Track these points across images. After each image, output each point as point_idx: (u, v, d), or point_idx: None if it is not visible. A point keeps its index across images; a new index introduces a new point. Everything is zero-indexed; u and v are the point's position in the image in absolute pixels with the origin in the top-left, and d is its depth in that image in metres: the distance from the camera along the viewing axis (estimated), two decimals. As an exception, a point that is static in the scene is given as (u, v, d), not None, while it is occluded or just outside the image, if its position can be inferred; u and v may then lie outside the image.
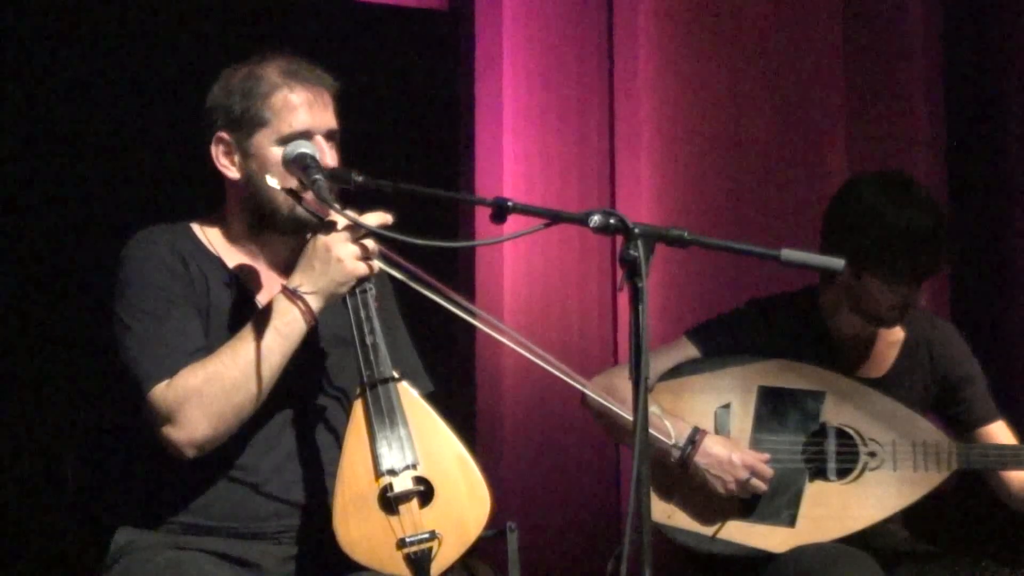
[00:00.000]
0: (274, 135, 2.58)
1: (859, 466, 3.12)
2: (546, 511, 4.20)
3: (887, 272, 3.05)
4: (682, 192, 4.50)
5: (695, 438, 3.09)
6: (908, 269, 3.05)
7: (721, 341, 3.23)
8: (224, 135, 2.60)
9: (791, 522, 3.11)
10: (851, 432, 3.13)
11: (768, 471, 3.09)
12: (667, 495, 3.15)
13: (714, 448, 3.09)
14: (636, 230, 2.23)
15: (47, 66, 3.78)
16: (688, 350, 3.23)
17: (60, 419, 3.66)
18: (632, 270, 2.22)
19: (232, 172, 2.61)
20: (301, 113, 2.59)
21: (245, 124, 2.58)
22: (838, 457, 3.13)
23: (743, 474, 3.07)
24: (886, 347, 3.25)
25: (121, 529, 2.62)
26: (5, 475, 3.65)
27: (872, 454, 3.11)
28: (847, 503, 3.10)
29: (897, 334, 3.25)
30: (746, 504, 3.12)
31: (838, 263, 2.39)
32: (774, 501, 3.12)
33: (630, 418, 2.49)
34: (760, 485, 3.08)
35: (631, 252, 2.22)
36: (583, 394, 3.08)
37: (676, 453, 3.08)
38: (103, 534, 2.65)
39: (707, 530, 3.13)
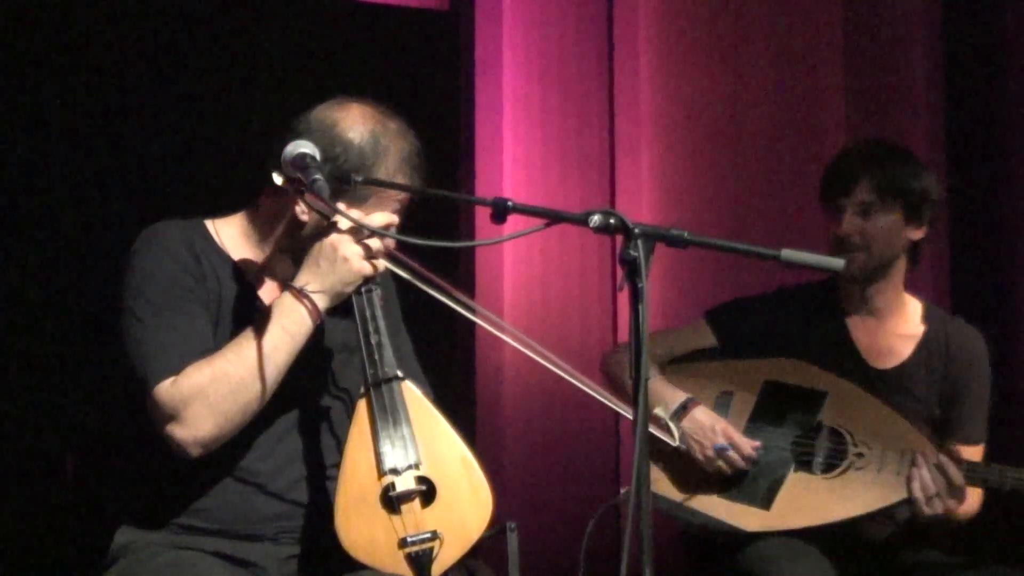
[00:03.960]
0: (371, 204, 2.55)
1: (845, 464, 3.14)
2: (546, 511, 4.20)
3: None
4: (682, 192, 4.50)
5: (687, 404, 3.16)
6: (822, 188, 3.24)
7: (738, 324, 3.29)
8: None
9: (766, 505, 3.14)
10: (844, 433, 3.15)
11: (746, 446, 3.13)
12: (652, 461, 3.17)
13: (700, 415, 3.17)
14: (636, 230, 2.23)
15: (60, 59, 3.79)
16: (704, 331, 3.29)
17: (60, 419, 3.66)
18: (632, 270, 2.22)
19: (302, 213, 2.55)
20: (395, 203, 2.58)
21: (347, 187, 2.50)
22: (827, 454, 3.14)
23: (720, 440, 3.12)
24: (902, 340, 3.26)
25: (121, 529, 2.61)
26: (5, 475, 3.65)
27: (860, 455, 3.13)
28: (824, 496, 3.12)
29: (916, 328, 3.27)
30: (726, 481, 3.16)
31: (838, 263, 2.40)
32: (756, 483, 3.16)
33: (630, 416, 2.50)
34: (734, 457, 3.13)
35: (631, 252, 2.22)
36: (602, 359, 3.29)
37: (676, 434, 3.11)
38: (103, 534, 2.65)
39: (685, 499, 3.17)
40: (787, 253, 2.34)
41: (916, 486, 3.03)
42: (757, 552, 3.07)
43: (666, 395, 3.17)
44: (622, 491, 3.29)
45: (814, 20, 4.63)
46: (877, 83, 4.63)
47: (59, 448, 2.92)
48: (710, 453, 3.14)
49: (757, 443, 3.16)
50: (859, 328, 3.26)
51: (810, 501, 3.12)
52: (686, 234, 2.29)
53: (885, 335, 3.26)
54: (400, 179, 2.57)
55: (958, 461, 3.03)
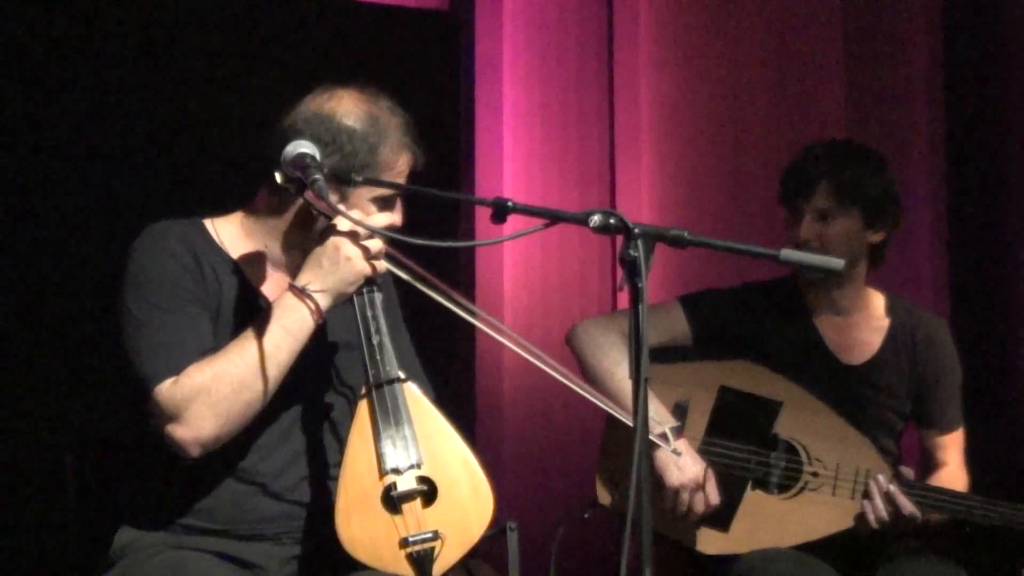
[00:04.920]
0: (375, 193, 2.57)
1: (800, 483, 3.14)
2: (546, 511, 4.20)
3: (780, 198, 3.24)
4: (682, 192, 4.50)
5: (675, 431, 3.10)
6: (781, 191, 3.22)
7: (710, 314, 3.27)
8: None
9: (725, 527, 3.13)
10: (799, 448, 3.15)
11: (714, 496, 3.10)
12: (621, 478, 3.16)
13: (681, 448, 3.08)
14: (636, 230, 2.24)
15: (58, 61, 3.79)
16: (677, 314, 3.27)
17: (60, 419, 3.66)
18: (632, 270, 2.22)
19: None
20: (403, 180, 2.60)
21: (357, 172, 2.52)
22: (782, 471, 3.14)
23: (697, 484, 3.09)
24: (870, 333, 3.27)
25: (121, 529, 2.61)
26: (5, 475, 3.65)
27: (815, 474, 3.13)
28: (781, 518, 3.12)
29: (881, 321, 3.28)
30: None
31: (837, 263, 2.40)
32: None
33: (630, 422, 2.49)
34: (696, 502, 3.09)
35: (631, 252, 2.22)
36: (569, 331, 3.26)
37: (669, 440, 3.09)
38: (103, 534, 2.64)
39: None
40: (786, 253, 2.35)
41: (871, 518, 3.05)
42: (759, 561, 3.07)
43: (658, 416, 3.10)
44: (586, 515, 3.30)
45: (814, 20, 4.63)
46: (877, 83, 4.63)
47: (59, 448, 2.91)
48: (685, 499, 3.09)
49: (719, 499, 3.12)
50: (826, 326, 3.26)
51: (767, 523, 3.11)
52: (686, 234, 2.29)
53: (852, 330, 3.27)
54: (404, 154, 2.60)
55: (909, 485, 3.05)
